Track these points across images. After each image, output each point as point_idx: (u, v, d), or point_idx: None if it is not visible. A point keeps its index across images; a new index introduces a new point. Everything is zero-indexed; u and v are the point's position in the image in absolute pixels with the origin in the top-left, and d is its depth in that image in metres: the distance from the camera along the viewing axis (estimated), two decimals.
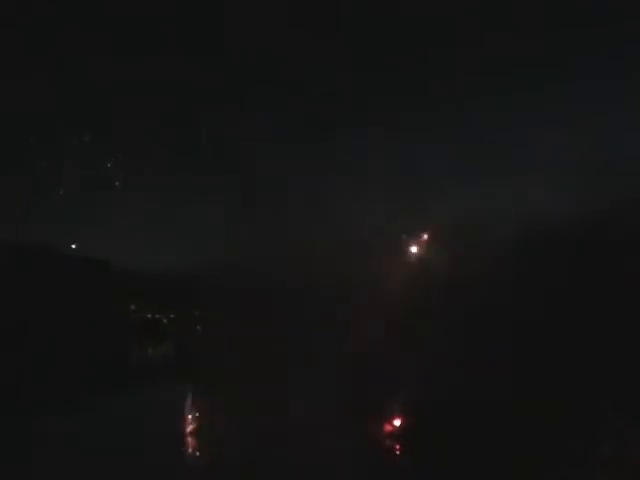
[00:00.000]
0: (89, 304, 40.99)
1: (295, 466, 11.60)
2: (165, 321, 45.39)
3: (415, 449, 11.55)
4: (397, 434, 13.37)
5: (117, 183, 35.11)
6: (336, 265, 26.15)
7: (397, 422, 14.09)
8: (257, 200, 31.01)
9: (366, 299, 22.24)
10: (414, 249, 25.56)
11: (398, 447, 12.79)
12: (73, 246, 44.69)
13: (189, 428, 16.52)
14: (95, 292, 42.71)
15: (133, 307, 47.25)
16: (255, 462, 12.28)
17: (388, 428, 13.99)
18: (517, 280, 23.09)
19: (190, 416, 18.71)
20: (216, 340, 32.21)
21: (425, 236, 25.55)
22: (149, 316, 46.63)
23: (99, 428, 16.47)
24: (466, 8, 31.29)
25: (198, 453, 12.88)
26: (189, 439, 14.69)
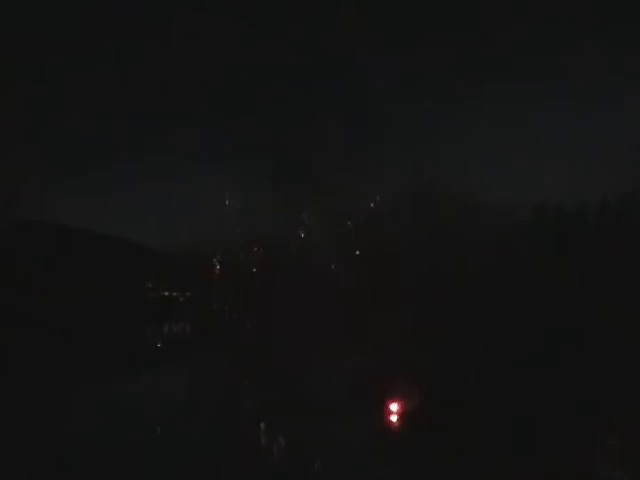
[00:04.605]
0: (106, 281, 41.56)
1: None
2: (182, 299, 45.92)
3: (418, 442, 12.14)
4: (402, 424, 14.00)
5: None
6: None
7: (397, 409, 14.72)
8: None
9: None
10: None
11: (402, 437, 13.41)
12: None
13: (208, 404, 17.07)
14: (112, 269, 43.29)
15: (150, 285, 47.85)
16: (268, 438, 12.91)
17: (393, 416, 14.61)
18: (526, 264, 23.35)
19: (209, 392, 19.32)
20: (233, 318, 32.88)
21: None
22: (166, 294, 47.21)
23: (115, 403, 16.92)
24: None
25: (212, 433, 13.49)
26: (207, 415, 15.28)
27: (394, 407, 14.85)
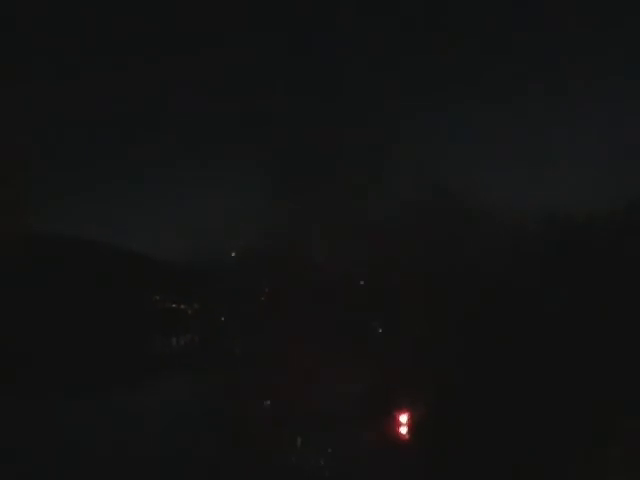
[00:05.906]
0: (113, 293, 41.58)
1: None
2: (190, 312, 45.83)
3: (425, 443, 11.96)
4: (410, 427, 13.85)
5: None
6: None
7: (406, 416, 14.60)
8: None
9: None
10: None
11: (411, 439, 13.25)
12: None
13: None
14: (119, 281, 43.32)
15: (157, 297, 47.78)
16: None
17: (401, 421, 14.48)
18: (534, 271, 23.08)
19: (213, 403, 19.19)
20: (241, 332, 32.67)
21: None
22: (173, 306, 47.13)
23: (117, 415, 16.93)
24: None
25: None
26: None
27: (403, 418, 14.73)
